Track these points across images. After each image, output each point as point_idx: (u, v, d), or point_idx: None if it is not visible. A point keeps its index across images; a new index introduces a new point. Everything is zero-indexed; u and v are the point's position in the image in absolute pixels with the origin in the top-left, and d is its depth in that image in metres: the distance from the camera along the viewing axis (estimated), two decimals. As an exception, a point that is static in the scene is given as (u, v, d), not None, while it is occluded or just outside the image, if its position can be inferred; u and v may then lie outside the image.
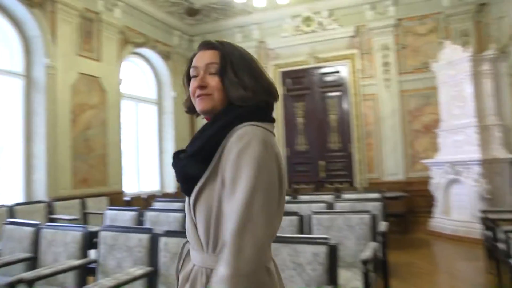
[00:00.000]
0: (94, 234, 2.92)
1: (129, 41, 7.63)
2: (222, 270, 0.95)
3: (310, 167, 8.35)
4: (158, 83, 8.86)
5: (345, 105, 8.15)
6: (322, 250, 2.07)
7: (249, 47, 8.58)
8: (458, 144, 6.33)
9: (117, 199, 6.71)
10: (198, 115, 1.22)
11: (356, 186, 7.76)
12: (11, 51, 5.91)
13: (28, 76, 5.95)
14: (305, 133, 8.48)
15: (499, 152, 6.06)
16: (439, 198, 6.56)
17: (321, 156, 8.27)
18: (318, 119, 8.35)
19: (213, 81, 1.13)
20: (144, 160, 8.37)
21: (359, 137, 7.92)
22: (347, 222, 3.16)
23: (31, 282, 2.38)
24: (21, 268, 2.88)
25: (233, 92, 1.12)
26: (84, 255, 2.80)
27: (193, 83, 1.16)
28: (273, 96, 1.18)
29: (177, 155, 1.19)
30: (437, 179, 6.59)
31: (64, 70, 6.16)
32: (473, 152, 6.02)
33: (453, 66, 6.44)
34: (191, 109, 1.23)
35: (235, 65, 1.13)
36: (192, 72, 1.18)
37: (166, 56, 8.66)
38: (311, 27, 8.37)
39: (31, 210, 5.04)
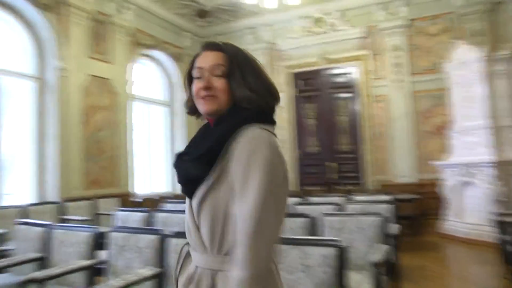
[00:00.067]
0: (103, 235, 2.93)
1: (140, 43, 7.69)
2: (240, 273, 0.97)
3: (321, 168, 8.30)
4: (169, 85, 8.92)
5: (356, 106, 8.08)
6: (331, 252, 2.04)
7: (260, 48, 8.60)
8: (471, 145, 6.21)
9: (128, 200, 6.77)
10: (199, 116, 1.22)
11: (367, 188, 7.69)
12: (25, 54, 6.00)
13: (40, 78, 6.04)
14: (317, 135, 8.44)
15: (514, 154, 5.94)
16: (452, 200, 6.46)
17: (332, 158, 8.22)
18: (329, 121, 8.30)
19: (219, 83, 1.12)
20: (155, 162, 8.42)
21: (370, 139, 7.86)
22: (358, 224, 3.12)
23: (42, 281, 2.41)
24: (32, 267, 2.91)
25: (239, 94, 1.11)
26: (94, 255, 2.81)
27: (197, 84, 1.15)
28: (275, 97, 1.18)
29: (180, 157, 1.18)
30: (450, 181, 6.48)
31: (76, 72, 6.24)
32: (487, 154, 5.91)
33: (465, 66, 6.33)
34: (192, 110, 1.22)
35: (242, 66, 1.13)
36: (196, 73, 1.17)
37: (177, 58, 8.71)
38: (322, 28, 8.33)
39: (43, 211, 5.10)
